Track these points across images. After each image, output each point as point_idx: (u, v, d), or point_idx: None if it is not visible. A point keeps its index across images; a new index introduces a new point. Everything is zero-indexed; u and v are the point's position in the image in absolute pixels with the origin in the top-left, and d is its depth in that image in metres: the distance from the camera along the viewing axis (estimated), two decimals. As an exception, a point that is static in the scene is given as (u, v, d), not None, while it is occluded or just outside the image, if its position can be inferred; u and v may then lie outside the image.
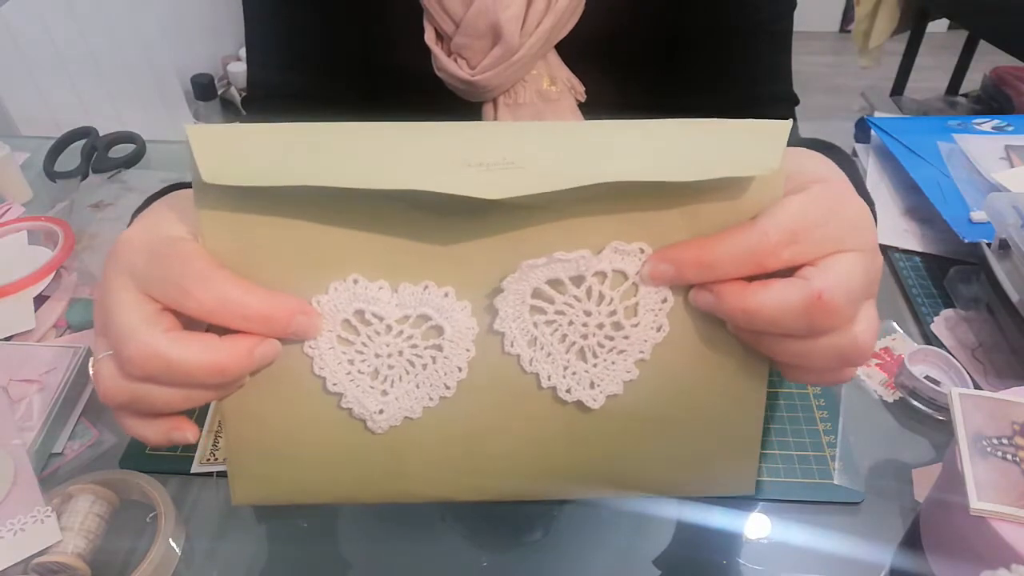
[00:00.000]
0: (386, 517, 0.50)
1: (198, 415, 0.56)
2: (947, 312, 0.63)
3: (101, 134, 0.86)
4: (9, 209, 0.77)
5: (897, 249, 0.70)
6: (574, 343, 0.33)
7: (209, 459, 0.53)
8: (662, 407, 0.34)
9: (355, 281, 0.32)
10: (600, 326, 0.33)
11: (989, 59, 1.90)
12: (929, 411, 0.55)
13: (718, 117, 0.32)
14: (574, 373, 0.34)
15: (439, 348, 0.33)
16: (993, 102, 1.91)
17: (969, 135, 0.80)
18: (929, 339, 0.61)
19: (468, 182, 0.28)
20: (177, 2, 2.01)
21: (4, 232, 0.72)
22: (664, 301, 0.32)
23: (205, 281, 0.30)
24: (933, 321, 0.62)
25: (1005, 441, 0.39)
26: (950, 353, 0.58)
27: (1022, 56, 1.52)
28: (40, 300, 0.65)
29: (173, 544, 0.47)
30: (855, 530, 0.48)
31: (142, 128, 0.88)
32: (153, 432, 0.33)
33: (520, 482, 0.36)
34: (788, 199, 0.31)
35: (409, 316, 0.33)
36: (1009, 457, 0.38)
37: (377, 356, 0.33)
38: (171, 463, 0.53)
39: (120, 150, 0.85)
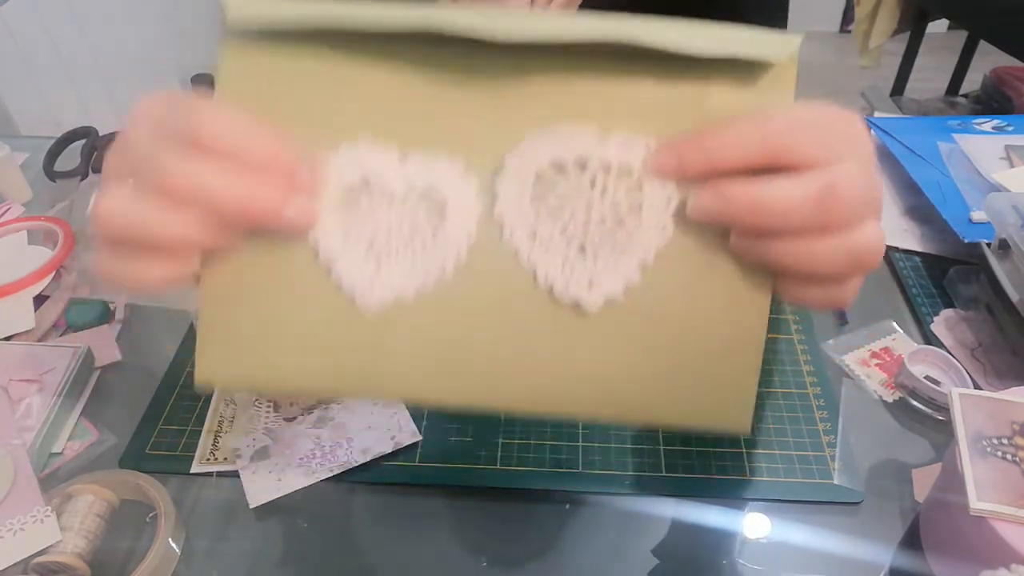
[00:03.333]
0: (386, 517, 0.50)
1: (198, 415, 0.56)
2: (947, 312, 0.63)
3: (101, 134, 0.86)
4: (9, 209, 0.77)
5: (897, 249, 0.70)
6: (575, 237, 0.31)
7: (209, 459, 0.53)
8: (660, 321, 0.32)
9: (363, 145, 0.31)
10: (602, 220, 0.31)
11: (989, 59, 1.90)
12: (929, 411, 0.55)
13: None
14: (572, 269, 0.32)
15: (441, 226, 0.31)
16: (993, 102, 1.90)
17: (969, 135, 0.80)
18: (929, 339, 0.61)
19: (487, 21, 0.29)
20: (177, 2, 2.01)
21: (4, 232, 0.72)
22: (669, 201, 0.31)
23: (223, 109, 0.29)
24: (933, 321, 0.62)
25: (1005, 441, 0.39)
26: (950, 353, 0.58)
27: (1022, 56, 1.52)
28: (40, 300, 0.65)
29: (173, 544, 0.47)
30: (855, 530, 0.48)
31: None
32: (154, 268, 0.30)
33: (501, 390, 0.33)
34: (796, 102, 0.30)
35: (414, 188, 0.31)
36: (1009, 457, 0.38)
37: (376, 228, 0.31)
38: (171, 463, 0.53)
39: (120, 150, 0.85)
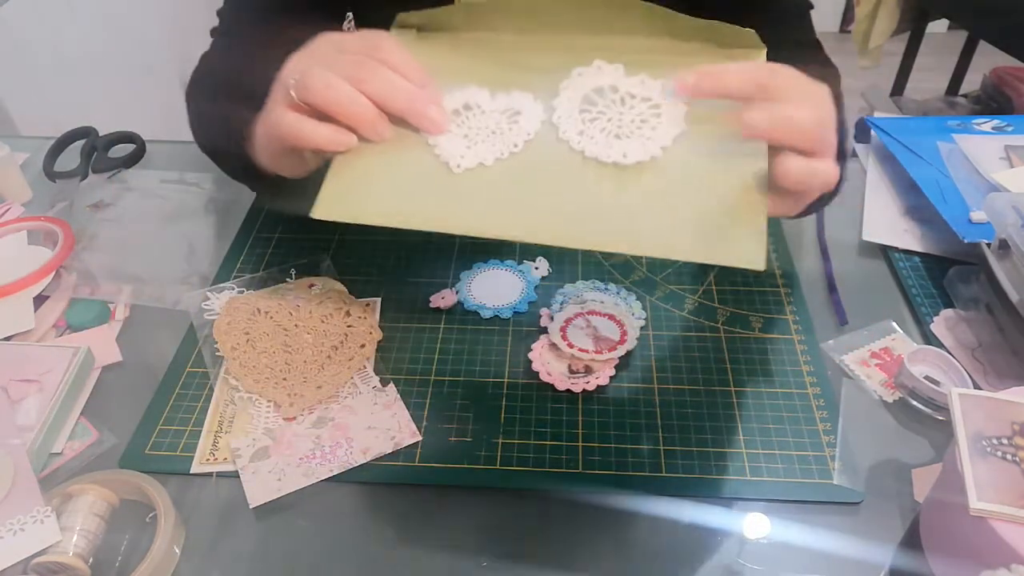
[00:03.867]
0: (386, 517, 0.50)
1: (197, 415, 0.56)
2: (947, 312, 0.63)
3: (101, 134, 0.86)
4: (9, 209, 0.77)
5: (897, 249, 0.70)
6: (611, 131, 0.45)
7: (209, 459, 0.53)
8: (682, 179, 0.44)
9: (468, 86, 0.49)
10: (632, 120, 0.46)
11: (989, 59, 1.90)
12: (929, 411, 0.55)
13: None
14: (611, 146, 0.45)
15: (516, 122, 0.47)
16: (993, 102, 1.90)
17: (969, 135, 0.80)
18: (929, 339, 0.61)
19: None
20: (177, 2, 2.01)
21: (4, 232, 0.72)
22: (683, 112, 0.45)
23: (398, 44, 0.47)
24: (933, 321, 0.62)
25: (1005, 441, 0.39)
26: (950, 353, 0.58)
27: (1022, 56, 1.52)
28: (40, 300, 0.65)
29: (173, 544, 0.47)
30: (855, 530, 0.48)
31: (142, 128, 0.88)
32: (328, 130, 0.45)
33: (558, 223, 0.44)
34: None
35: (498, 107, 0.48)
36: (1009, 457, 0.38)
37: (471, 125, 0.47)
38: (171, 463, 0.53)
39: (120, 150, 0.85)
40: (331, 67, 0.45)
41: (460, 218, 0.44)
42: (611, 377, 0.57)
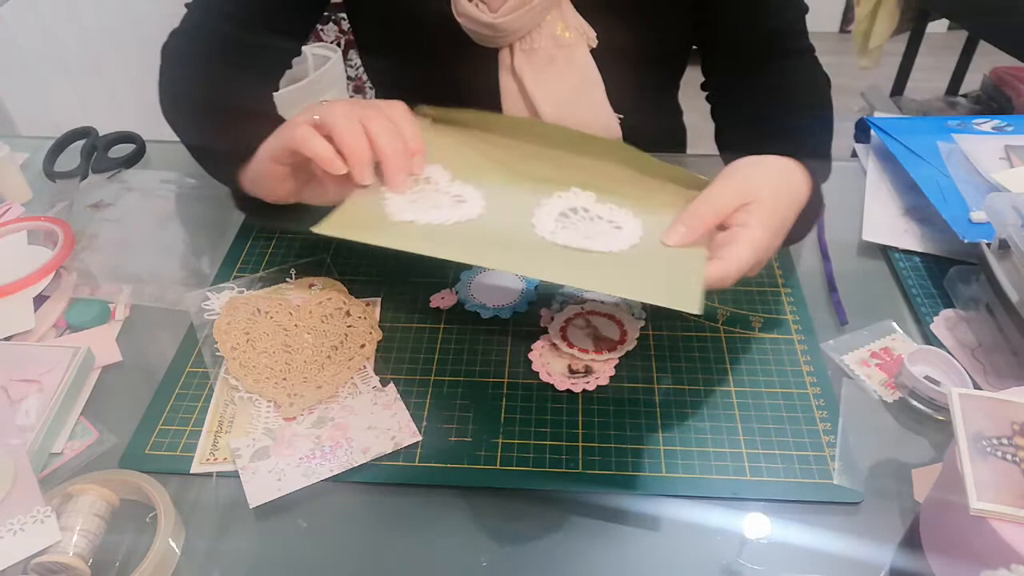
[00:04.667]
0: (386, 517, 0.50)
1: (198, 415, 0.56)
2: (947, 312, 0.63)
3: (101, 134, 0.86)
4: (9, 209, 0.77)
5: (897, 249, 0.70)
6: (581, 235, 0.53)
7: (209, 459, 0.53)
8: (633, 261, 0.52)
9: (435, 167, 0.58)
10: (598, 232, 0.54)
11: (989, 59, 1.90)
12: (929, 411, 0.55)
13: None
14: (579, 243, 0.52)
15: (459, 206, 0.55)
16: (993, 102, 1.91)
17: (969, 135, 0.80)
18: (929, 339, 0.61)
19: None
20: (177, 2, 2.01)
21: (4, 232, 0.72)
22: (639, 232, 0.54)
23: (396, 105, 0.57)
24: (933, 321, 0.62)
25: (1005, 441, 0.39)
26: (950, 353, 0.58)
27: (1022, 56, 1.52)
28: (40, 300, 0.65)
29: (173, 544, 0.47)
30: (855, 530, 0.48)
31: (142, 128, 0.88)
32: (334, 158, 0.54)
33: (524, 261, 0.53)
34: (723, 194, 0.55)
35: (450, 191, 0.57)
36: (1009, 457, 0.38)
37: (419, 194, 0.56)
38: (171, 463, 0.53)
39: (120, 150, 0.85)
40: (352, 108, 0.55)
41: (403, 242, 0.51)
42: (611, 377, 0.57)
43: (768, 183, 0.55)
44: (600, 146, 0.60)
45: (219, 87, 0.68)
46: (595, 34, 0.69)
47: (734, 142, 0.71)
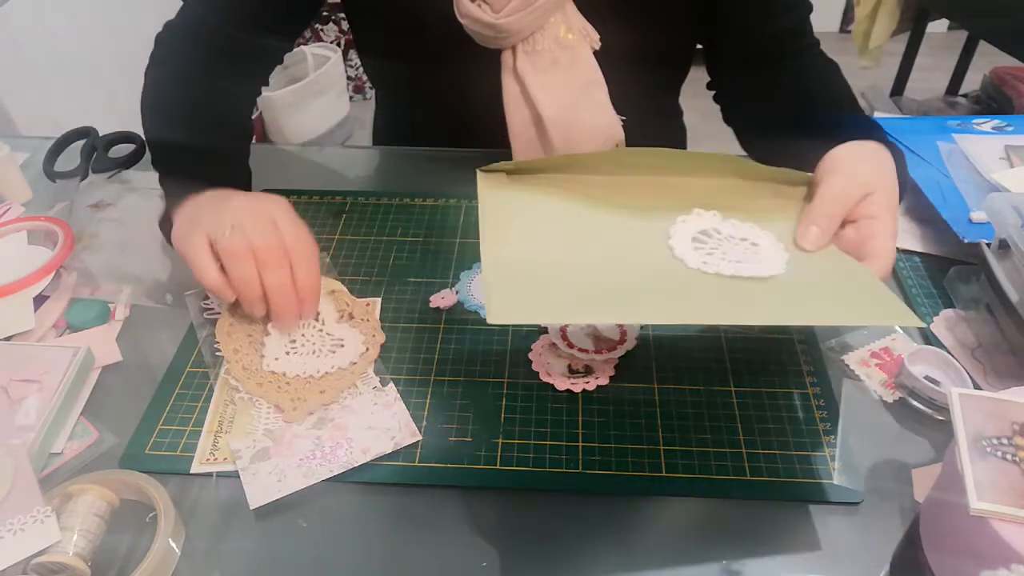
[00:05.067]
0: (386, 517, 0.50)
1: (198, 415, 0.56)
2: (947, 312, 0.63)
3: (101, 134, 0.86)
4: (9, 209, 0.77)
5: (897, 249, 0.70)
6: (731, 259, 0.51)
7: (209, 459, 0.53)
8: (797, 276, 0.51)
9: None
10: (743, 252, 0.53)
11: (989, 59, 1.90)
12: (929, 411, 0.55)
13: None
14: (737, 271, 0.50)
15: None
16: (993, 102, 1.91)
17: (969, 135, 0.80)
18: (929, 339, 0.61)
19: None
20: (176, 2, 2.01)
21: (4, 232, 0.72)
22: (781, 246, 0.54)
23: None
24: (933, 321, 0.62)
25: (1005, 441, 0.39)
26: (950, 353, 0.58)
27: (1022, 56, 1.52)
28: (40, 300, 0.65)
29: (173, 544, 0.47)
30: (855, 530, 0.48)
31: (142, 128, 0.88)
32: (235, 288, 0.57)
33: (698, 308, 0.49)
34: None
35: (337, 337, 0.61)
36: (1009, 457, 0.38)
37: (304, 339, 0.60)
38: (171, 463, 0.53)
39: (120, 150, 0.85)
40: (255, 233, 0.56)
41: (613, 312, 0.50)
42: (611, 377, 0.57)
43: (880, 170, 0.56)
44: (691, 161, 0.59)
45: (200, 97, 0.70)
46: (598, 35, 0.69)
47: (779, 141, 0.69)
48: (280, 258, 0.56)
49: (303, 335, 0.60)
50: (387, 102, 0.97)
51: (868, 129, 0.62)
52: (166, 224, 0.65)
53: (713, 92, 0.81)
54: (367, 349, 0.59)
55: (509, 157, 0.70)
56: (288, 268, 0.56)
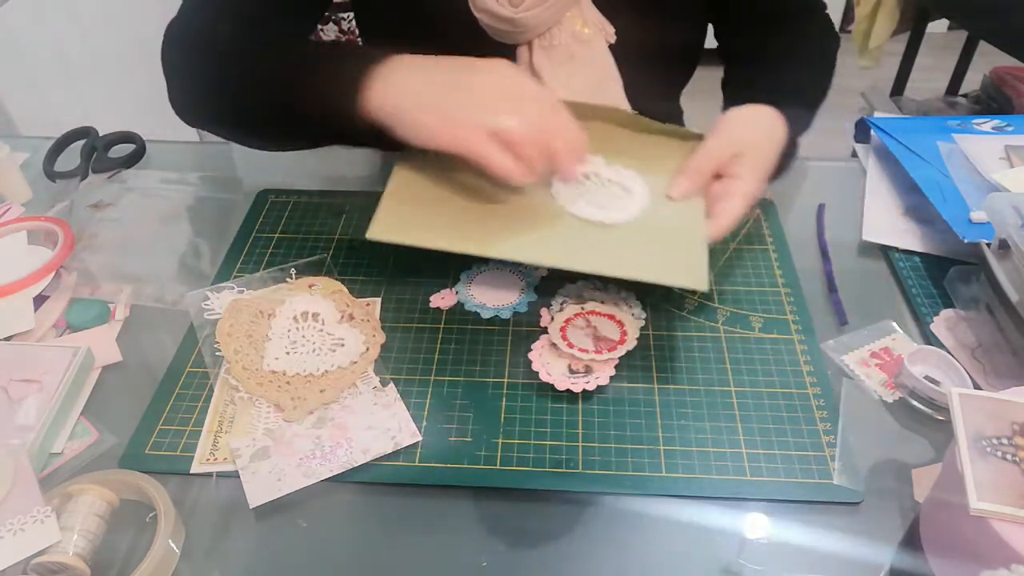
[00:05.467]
0: (386, 517, 0.50)
1: (198, 415, 0.56)
2: (947, 312, 0.63)
3: (101, 134, 0.86)
4: (9, 209, 0.77)
5: (897, 249, 0.70)
6: (595, 203, 0.59)
7: (209, 459, 0.53)
8: (642, 232, 0.58)
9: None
10: (609, 196, 0.60)
11: (989, 59, 1.90)
12: (929, 411, 0.55)
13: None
14: (595, 214, 0.59)
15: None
16: (993, 102, 1.91)
17: (969, 135, 0.80)
18: (929, 339, 0.61)
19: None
20: (176, 2, 2.01)
21: (4, 232, 0.72)
22: (647, 193, 0.61)
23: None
24: (933, 321, 0.62)
25: (1005, 441, 0.39)
26: (950, 353, 0.58)
27: (1022, 56, 1.52)
28: (40, 300, 0.65)
29: (173, 544, 0.47)
30: (855, 530, 0.48)
31: (142, 128, 0.88)
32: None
33: (543, 249, 0.57)
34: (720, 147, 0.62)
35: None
36: (1009, 457, 0.38)
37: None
38: (171, 463, 0.53)
39: (120, 150, 0.85)
40: (525, 116, 0.54)
41: (477, 242, 0.56)
42: (611, 377, 0.57)
43: (758, 133, 0.63)
44: (597, 111, 0.64)
45: (267, 51, 0.62)
46: (613, 30, 0.69)
47: (732, 86, 0.79)
48: (557, 125, 0.55)
49: (303, 335, 0.60)
50: None
51: (796, 98, 0.69)
52: (349, 96, 0.56)
53: (722, 59, 0.83)
54: (367, 349, 0.59)
55: None
56: (562, 128, 0.55)
